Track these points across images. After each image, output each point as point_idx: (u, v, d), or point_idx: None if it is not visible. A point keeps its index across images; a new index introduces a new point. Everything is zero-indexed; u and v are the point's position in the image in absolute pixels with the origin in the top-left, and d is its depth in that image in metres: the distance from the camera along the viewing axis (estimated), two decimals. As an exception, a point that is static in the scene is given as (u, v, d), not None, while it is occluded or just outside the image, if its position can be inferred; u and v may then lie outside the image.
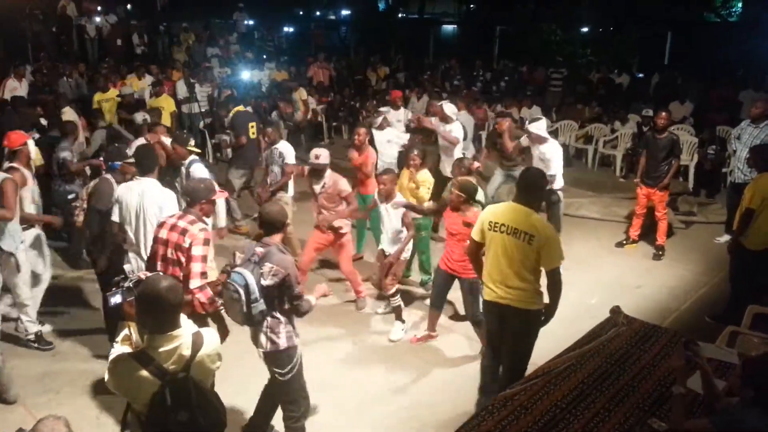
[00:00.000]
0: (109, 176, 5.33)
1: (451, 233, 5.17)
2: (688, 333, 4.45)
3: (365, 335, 5.82)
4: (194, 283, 3.84)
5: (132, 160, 5.21)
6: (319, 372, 4.87)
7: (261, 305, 3.57)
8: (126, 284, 3.06)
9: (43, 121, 8.75)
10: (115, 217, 4.84)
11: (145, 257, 4.59)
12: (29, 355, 5.32)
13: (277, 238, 3.74)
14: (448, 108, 7.74)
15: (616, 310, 4.37)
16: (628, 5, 18.79)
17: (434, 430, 4.46)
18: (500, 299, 4.13)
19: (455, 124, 7.68)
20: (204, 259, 3.90)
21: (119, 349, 2.88)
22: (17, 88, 11.16)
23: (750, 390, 2.75)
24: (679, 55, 17.80)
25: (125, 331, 2.99)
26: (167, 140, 6.94)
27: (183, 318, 2.83)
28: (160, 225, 4.08)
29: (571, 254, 7.12)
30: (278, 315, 3.72)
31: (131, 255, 4.80)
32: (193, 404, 2.68)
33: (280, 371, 3.81)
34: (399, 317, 5.77)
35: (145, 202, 4.65)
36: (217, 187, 4.32)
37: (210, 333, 2.89)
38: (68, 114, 9.09)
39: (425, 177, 6.34)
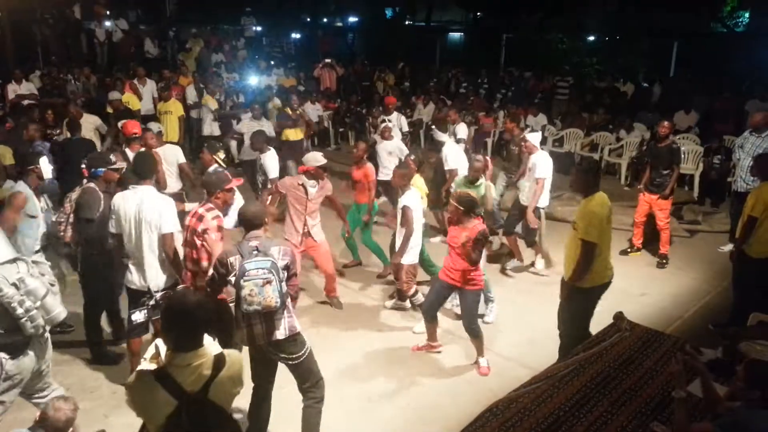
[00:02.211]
0: (92, 185, 5.13)
1: (452, 246, 5.10)
2: (692, 340, 4.49)
3: (370, 336, 5.88)
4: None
5: (116, 166, 5.19)
6: (325, 372, 4.90)
7: (284, 285, 3.75)
8: (150, 302, 3.01)
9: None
10: (112, 229, 4.71)
11: (148, 267, 4.60)
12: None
13: (260, 233, 3.92)
14: (461, 130, 7.82)
15: (619, 316, 4.41)
16: (635, 15, 18.87)
17: (439, 430, 4.50)
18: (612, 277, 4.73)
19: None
20: (219, 240, 4.38)
21: (145, 366, 2.84)
22: (17, 90, 11.37)
23: (756, 392, 2.78)
24: (685, 65, 17.82)
25: (152, 349, 2.96)
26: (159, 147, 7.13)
27: (207, 339, 2.77)
28: (191, 214, 4.56)
29: (575, 261, 7.21)
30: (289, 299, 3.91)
31: (132, 267, 4.68)
32: (210, 428, 2.55)
33: (297, 354, 3.93)
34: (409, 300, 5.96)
35: (144, 210, 4.55)
36: (229, 176, 4.77)
37: (234, 355, 2.79)
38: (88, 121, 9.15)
39: (418, 183, 6.38)
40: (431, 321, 5.45)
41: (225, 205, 4.66)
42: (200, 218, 4.47)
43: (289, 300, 3.87)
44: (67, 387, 4.91)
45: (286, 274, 3.80)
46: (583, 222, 4.53)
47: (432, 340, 5.58)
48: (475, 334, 5.24)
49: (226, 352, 2.78)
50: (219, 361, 2.64)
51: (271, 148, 7.50)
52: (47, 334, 3.95)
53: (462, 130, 8.39)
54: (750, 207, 5.55)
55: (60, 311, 3.82)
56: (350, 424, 4.60)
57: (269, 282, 3.61)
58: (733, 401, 3.13)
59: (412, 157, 6.48)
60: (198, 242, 4.48)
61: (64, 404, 3.40)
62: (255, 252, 3.73)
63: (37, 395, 4.07)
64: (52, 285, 3.89)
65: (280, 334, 3.83)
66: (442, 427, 4.50)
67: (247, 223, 3.93)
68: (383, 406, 4.84)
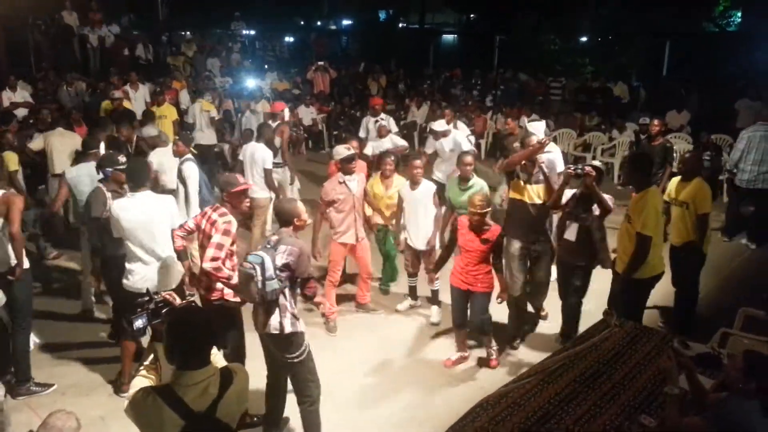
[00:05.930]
0: (100, 185, 5.22)
1: (468, 250, 5.06)
2: (680, 335, 4.54)
3: (362, 337, 5.92)
4: (205, 265, 4.22)
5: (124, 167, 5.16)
6: (320, 374, 4.96)
7: (275, 284, 3.80)
8: (150, 306, 2.90)
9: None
10: (116, 234, 4.70)
11: (153, 268, 4.65)
12: (33, 359, 5.39)
13: (288, 229, 4.05)
14: (461, 134, 7.89)
15: (608, 313, 4.46)
16: (627, 16, 18.97)
17: (431, 429, 4.53)
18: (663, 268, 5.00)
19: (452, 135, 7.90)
20: (219, 246, 4.24)
21: (141, 381, 2.70)
22: (11, 97, 11.40)
23: (752, 383, 2.83)
24: (678, 65, 17.91)
25: (152, 357, 2.81)
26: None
27: (214, 352, 2.71)
28: (203, 215, 4.52)
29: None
30: (289, 299, 3.95)
31: (134, 269, 4.69)
32: None
33: (290, 355, 4.00)
34: (435, 301, 6.15)
35: (155, 217, 4.61)
36: (240, 180, 4.59)
37: (240, 370, 2.72)
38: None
39: (400, 183, 6.29)
40: (460, 329, 5.40)
41: (234, 209, 4.48)
42: (213, 223, 4.37)
43: (289, 300, 3.93)
44: (63, 390, 4.97)
45: (284, 274, 3.84)
46: (640, 216, 4.68)
47: (462, 350, 5.49)
48: (483, 332, 5.31)
49: (232, 366, 2.73)
50: (225, 378, 2.57)
51: (261, 143, 7.43)
52: None
53: (461, 135, 8.29)
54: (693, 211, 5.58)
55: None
56: (343, 426, 4.62)
57: (252, 277, 3.77)
58: (719, 392, 3.18)
59: (390, 158, 6.42)
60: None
61: (70, 419, 3.15)
62: (267, 245, 3.93)
63: None
64: None
65: (271, 329, 3.94)
66: (435, 425, 4.52)
67: (279, 218, 4.17)
68: (378, 406, 4.88)
